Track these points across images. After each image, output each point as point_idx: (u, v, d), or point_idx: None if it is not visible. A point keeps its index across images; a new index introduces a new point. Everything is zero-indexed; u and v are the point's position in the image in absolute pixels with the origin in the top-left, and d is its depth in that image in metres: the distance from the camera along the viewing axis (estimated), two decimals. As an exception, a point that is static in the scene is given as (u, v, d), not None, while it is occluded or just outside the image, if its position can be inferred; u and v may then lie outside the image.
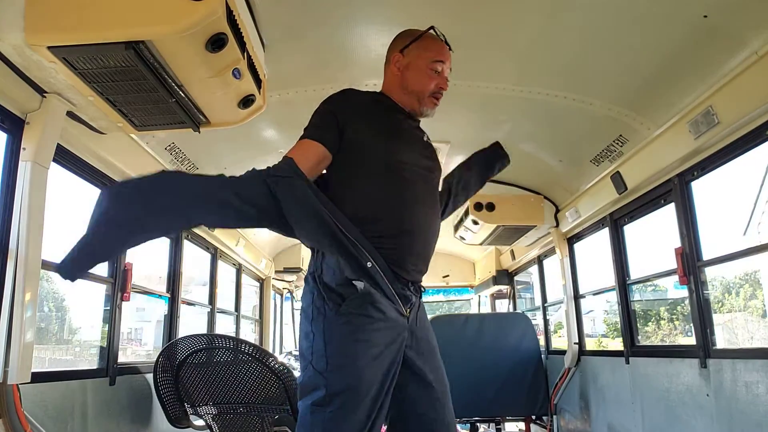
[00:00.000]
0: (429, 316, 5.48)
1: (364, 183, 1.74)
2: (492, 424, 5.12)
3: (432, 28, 1.90)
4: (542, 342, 5.47)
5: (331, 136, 1.74)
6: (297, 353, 5.29)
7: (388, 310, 1.67)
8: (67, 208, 3.00)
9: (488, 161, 2.24)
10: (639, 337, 3.90)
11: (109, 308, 3.02)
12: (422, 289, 1.83)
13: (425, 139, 1.94)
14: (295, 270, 6.61)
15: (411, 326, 1.77)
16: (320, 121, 1.77)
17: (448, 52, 1.90)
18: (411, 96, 1.87)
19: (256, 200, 1.60)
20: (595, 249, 4.46)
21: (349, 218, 1.65)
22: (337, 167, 1.77)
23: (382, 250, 1.68)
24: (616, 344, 4.44)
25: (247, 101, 2.37)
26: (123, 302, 3.05)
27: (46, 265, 2.41)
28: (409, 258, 1.74)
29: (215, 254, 4.76)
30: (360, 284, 1.64)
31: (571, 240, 4.68)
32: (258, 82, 2.36)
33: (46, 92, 2.20)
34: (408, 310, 1.75)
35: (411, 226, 1.74)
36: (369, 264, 1.64)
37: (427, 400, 1.76)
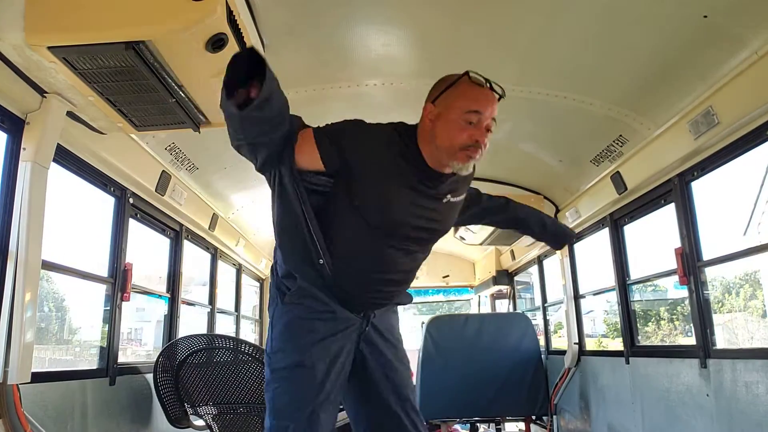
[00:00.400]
0: (429, 316, 5.46)
1: (345, 228, 1.70)
2: (492, 424, 5.12)
3: (467, 73, 1.65)
4: (542, 342, 5.47)
5: (334, 158, 1.65)
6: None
7: (332, 304, 1.72)
8: (67, 209, 3.00)
9: (555, 234, 2.30)
10: (639, 338, 3.90)
11: (109, 308, 3.02)
12: (373, 314, 1.81)
13: (445, 200, 1.76)
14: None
15: (371, 327, 1.80)
16: (333, 138, 1.66)
17: (488, 100, 1.63)
18: (439, 151, 1.65)
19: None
20: (595, 249, 4.46)
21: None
22: (334, 194, 1.71)
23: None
24: (616, 344, 4.43)
25: (247, 101, 2.37)
26: (123, 302, 3.05)
27: (46, 265, 2.41)
28: (356, 305, 1.76)
29: (215, 254, 4.76)
30: (300, 280, 1.71)
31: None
32: (258, 82, 2.36)
33: (46, 92, 2.20)
34: (361, 313, 1.78)
35: (370, 288, 1.76)
36: (321, 261, 1.68)
37: (392, 395, 1.80)
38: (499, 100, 1.67)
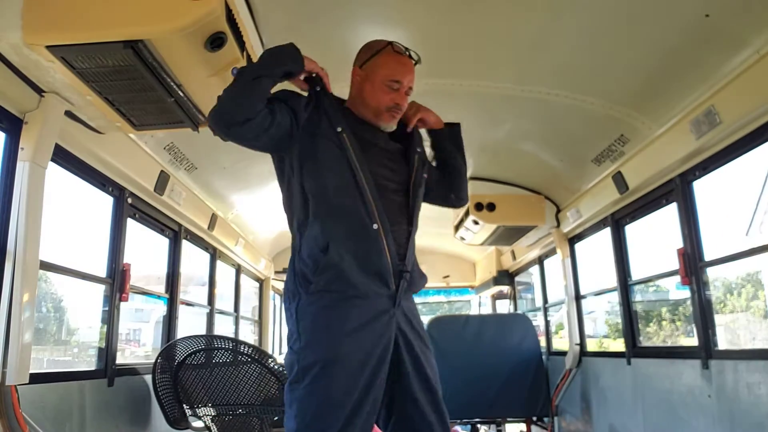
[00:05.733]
0: (429, 317, 5.44)
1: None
2: (493, 426, 5.11)
3: (391, 43, 1.86)
4: (543, 343, 5.46)
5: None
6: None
7: (362, 286, 1.65)
8: (65, 209, 2.99)
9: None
10: (641, 338, 3.88)
11: (107, 309, 3.01)
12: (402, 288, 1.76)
13: (390, 147, 1.90)
14: (295, 270, 6.57)
15: (401, 311, 1.72)
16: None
17: (408, 68, 1.85)
18: (368, 110, 1.87)
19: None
20: (597, 249, 4.45)
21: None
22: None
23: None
24: (618, 345, 4.43)
25: (246, 101, 2.35)
26: (121, 303, 3.04)
27: (44, 266, 2.40)
28: (392, 266, 1.70)
29: (214, 254, 4.75)
30: (332, 255, 1.64)
31: (572, 240, 4.67)
32: (257, 81, 2.34)
33: (44, 92, 2.19)
34: (395, 287, 1.70)
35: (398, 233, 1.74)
36: (375, 226, 1.65)
37: (421, 388, 1.73)
38: (415, 65, 1.88)
